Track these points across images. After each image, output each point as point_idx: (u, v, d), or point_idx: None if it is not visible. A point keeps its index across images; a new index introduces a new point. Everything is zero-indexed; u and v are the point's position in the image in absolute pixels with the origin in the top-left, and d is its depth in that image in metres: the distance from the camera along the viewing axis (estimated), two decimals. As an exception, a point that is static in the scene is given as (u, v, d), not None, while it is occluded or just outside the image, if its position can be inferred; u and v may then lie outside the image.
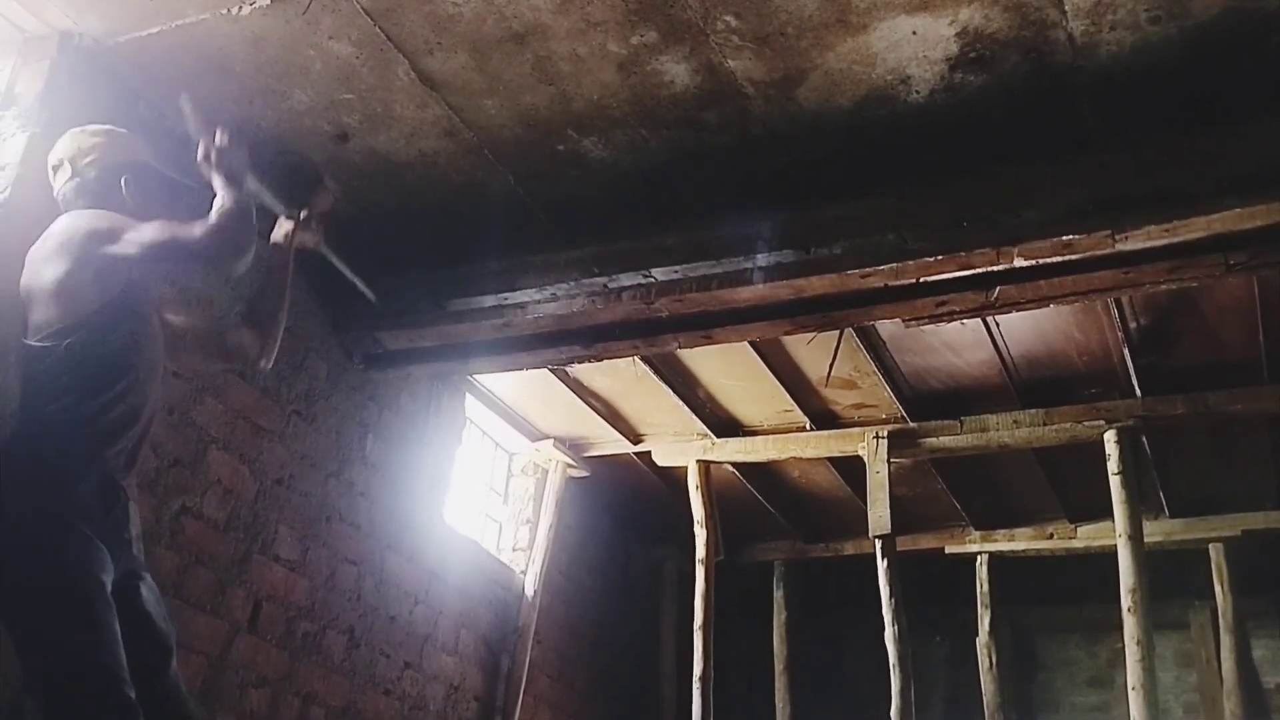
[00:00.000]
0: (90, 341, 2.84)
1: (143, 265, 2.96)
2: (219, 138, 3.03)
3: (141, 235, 2.89)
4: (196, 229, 2.88)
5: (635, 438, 6.72)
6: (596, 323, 4.69)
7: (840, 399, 6.16)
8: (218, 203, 2.93)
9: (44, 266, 2.88)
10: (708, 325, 4.60)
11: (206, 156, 3.01)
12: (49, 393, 2.81)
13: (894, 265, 4.05)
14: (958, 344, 5.46)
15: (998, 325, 5.21)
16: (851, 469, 6.73)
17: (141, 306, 3.01)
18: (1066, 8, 3.27)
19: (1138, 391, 5.66)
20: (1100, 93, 3.61)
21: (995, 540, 7.60)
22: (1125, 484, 5.71)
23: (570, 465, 6.80)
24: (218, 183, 2.99)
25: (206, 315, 4.02)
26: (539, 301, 4.59)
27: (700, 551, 6.71)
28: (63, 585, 2.64)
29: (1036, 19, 3.32)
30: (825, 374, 5.77)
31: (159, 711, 2.72)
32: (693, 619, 6.65)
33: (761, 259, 4.20)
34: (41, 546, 2.66)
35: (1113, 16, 3.29)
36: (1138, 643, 5.40)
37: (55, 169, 3.10)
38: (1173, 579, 7.15)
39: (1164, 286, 4.14)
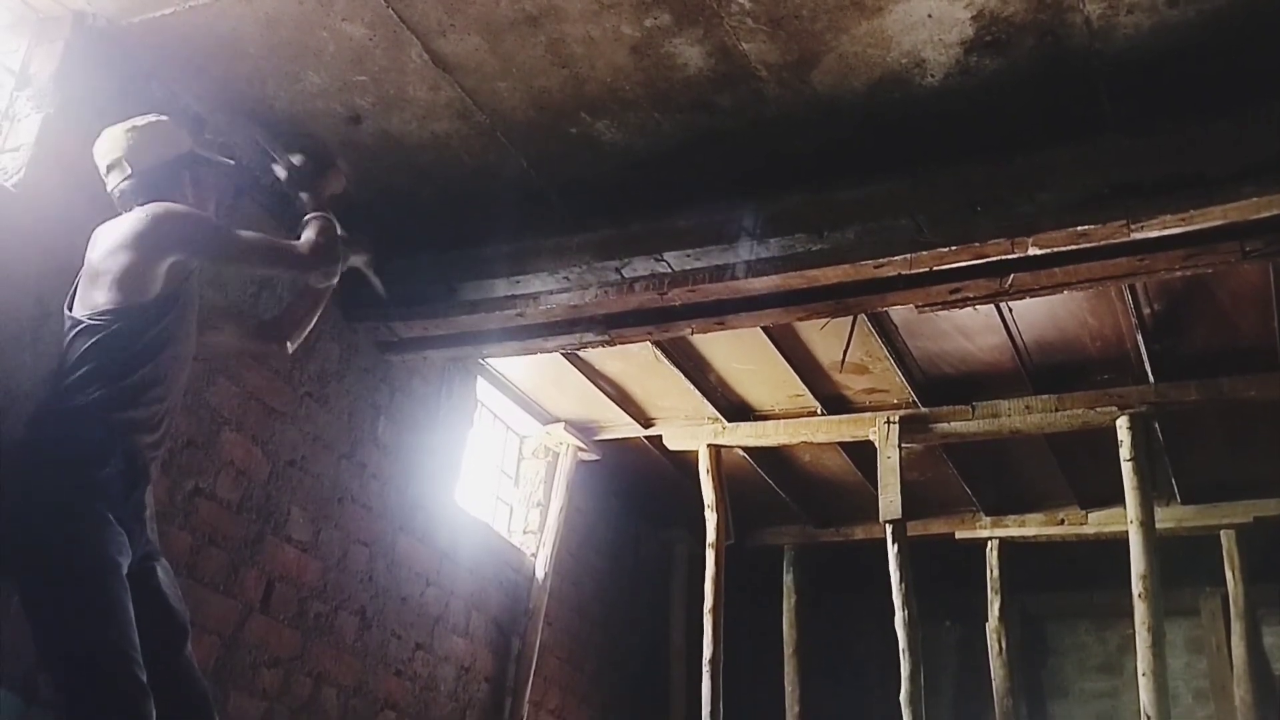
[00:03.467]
0: (136, 329, 2.89)
1: (239, 264, 3.37)
2: (298, 161, 3.46)
3: (248, 240, 3.20)
4: (303, 245, 3.23)
5: (646, 421, 6.73)
6: (610, 312, 4.69)
7: (851, 383, 6.15)
8: (318, 223, 3.28)
9: (121, 252, 2.92)
10: (721, 312, 4.60)
11: (290, 179, 3.47)
12: (79, 375, 2.84)
13: (908, 256, 4.04)
14: (970, 329, 5.44)
15: (1010, 310, 5.19)
16: (862, 454, 6.73)
17: (190, 299, 3.07)
18: (1084, -10, 3.25)
19: (1151, 377, 5.63)
20: (1117, 77, 3.58)
21: (1006, 526, 7.59)
22: (1137, 470, 5.69)
23: (581, 448, 6.81)
24: (308, 201, 3.40)
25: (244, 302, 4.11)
26: (552, 291, 4.58)
27: (710, 535, 6.72)
28: (79, 567, 2.67)
29: (1053, 2, 3.30)
30: (839, 359, 5.77)
31: (173, 692, 2.74)
32: (702, 602, 6.66)
33: (774, 243, 4.19)
34: (60, 528, 2.68)
35: (1130, -1, 3.27)
36: (1148, 629, 5.40)
37: (110, 168, 3.12)
38: (1184, 565, 7.13)
39: (1179, 273, 4.13)
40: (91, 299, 2.92)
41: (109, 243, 2.95)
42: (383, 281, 4.58)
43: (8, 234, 3.34)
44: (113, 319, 2.88)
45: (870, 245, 4.07)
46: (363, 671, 4.92)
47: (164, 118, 3.27)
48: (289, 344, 3.54)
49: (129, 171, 3.09)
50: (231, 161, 3.45)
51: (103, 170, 3.15)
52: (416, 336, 4.99)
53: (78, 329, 2.90)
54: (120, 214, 3.10)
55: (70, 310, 2.97)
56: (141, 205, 3.05)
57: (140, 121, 3.19)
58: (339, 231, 3.33)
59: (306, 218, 3.32)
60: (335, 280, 3.40)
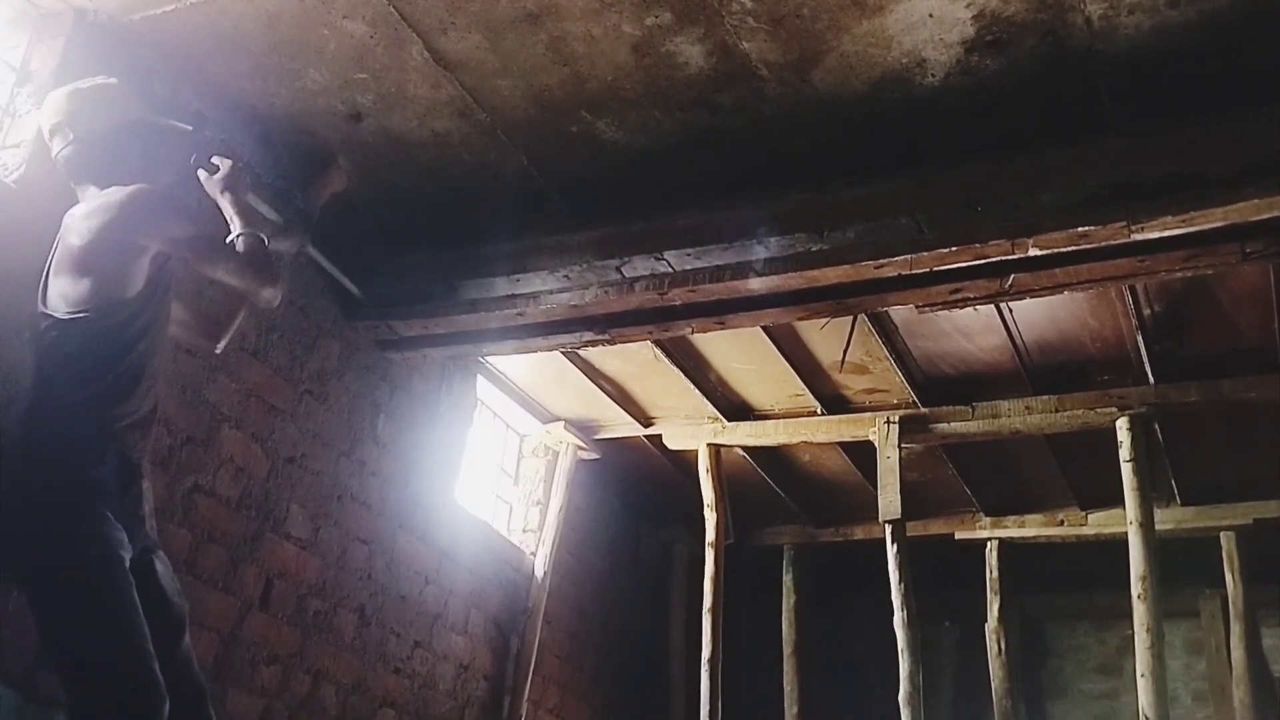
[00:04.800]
0: (120, 323, 2.84)
1: (207, 270, 3.03)
2: (221, 167, 3.15)
3: (223, 249, 2.99)
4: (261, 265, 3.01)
5: (646, 420, 6.72)
6: (610, 311, 4.69)
7: (851, 383, 6.15)
8: (250, 241, 3.04)
9: (97, 245, 2.82)
10: (721, 311, 4.60)
11: (214, 185, 3.15)
12: (67, 373, 2.80)
13: (908, 256, 4.04)
14: (970, 329, 5.44)
15: (1010, 311, 5.19)
16: (862, 454, 6.73)
17: (167, 285, 3.03)
18: (1085, -9, 3.25)
19: (1151, 378, 5.63)
20: (1118, 77, 3.58)
21: (1005, 526, 7.58)
22: (1137, 471, 5.69)
23: (581, 447, 6.80)
24: (229, 210, 3.12)
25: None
26: (552, 291, 4.58)
27: (710, 534, 6.72)
28: (88, 565, 2.66)
29: (1054, 2, 3.30)
30: (839, 359, 5.76)
31: (170, 685, 2.74)
32: (702, 601, 6.66)
33: (775, 242, 4.19)
34: (62, 527, 2.68)
35: (1130, 0, 3.27)
36: (1147, 630, 5.39)
37: (52, 133, 2.99)
38: (1183, 567, 7.12)
39: (1179, 274, 4.12)
40: (69, 292, 2.82)
41: (85, 232, 2.84)
42: (366, 278, 4.59)
43: (7, 230, 3.34)
44: (95, 315, 2.80)
45: (871, 245, 4.07)
46: (361, 669, 4.92)
47: (111, 80, 3.11)
48: (218, 345, 3.43)
49: (70, 137, 2.95)
50: (189, 128, 3.22)
51: (46, 135, 3.01)
52: (416, 335, 4.99)
53: (59, 325, 2.82)
54: (69, 182, 3.00)
55: (45, 304, 2.86)
56: (89, 175, 2.96)
57: (84, 84, 3.04)
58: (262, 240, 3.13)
59: (232, 236, 3.05)
60: (279, 300, 3.19)
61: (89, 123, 2.97)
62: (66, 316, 2.82)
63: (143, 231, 2.85)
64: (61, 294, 2.84)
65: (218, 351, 3.52)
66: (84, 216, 2.88)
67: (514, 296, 4.65)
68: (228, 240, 3.04)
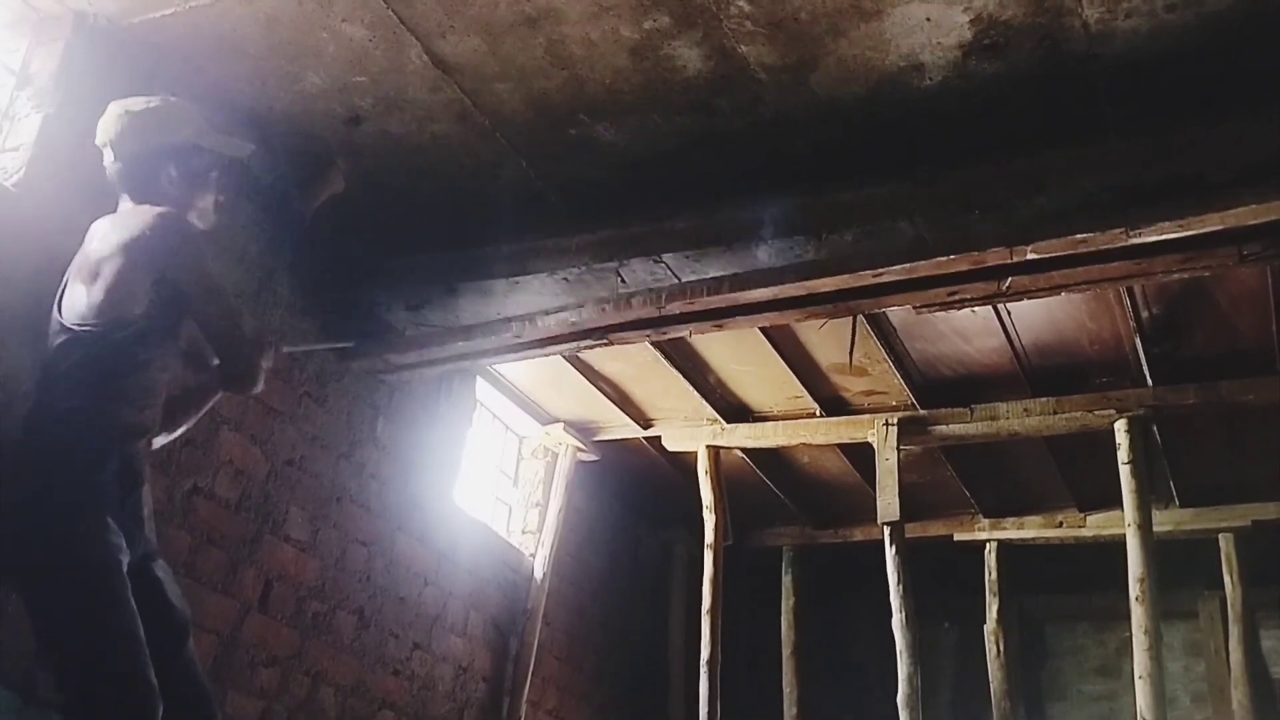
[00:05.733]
0: (130, 338, 2.85)
1: (199, 315, 3.01)
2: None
3: (225, 304, 3.05)
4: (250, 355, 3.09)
5: (645, 422, 6.73)
6: (606, 324, 4.68)
7: (850, 385, 6.16)
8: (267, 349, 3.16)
9: (112, 259, 2.84)
10: (719, 314, 4.60)
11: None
12: (73, 380, 2.81)
13: (906, 265, 4.04)
14: (969, 331, 5.45)
15: (1009, 313, 5.19)
16: (861, 455, 6.74)
17: (181, 308, 3.03)
18: (1082, -6, 3.25)
19: (1149, 380, 5.64)
20: (1116, 80, 3.59)
21: (1004, 528, 7.59)
22: (1135, 473, 5.70)
23: (580, 449, 6.81)
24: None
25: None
26: (549, 311, 4.56)
27: (709, 536, 6.73)
28: (86, 570, 2.67)
29: (1051, 6, 3.30)
30: (838, 360, 5.78)
31: (175, 690, 2.75)
32: (701, 603, 6.67)
33: (773, 244, 4.19)
34: (64, 532, 2.68)
35: (1128, 4, 3.27)
36: (1146, 632, 5.40)
37: (102, 147, 3.06)
38: (1182, 568, 7.13)
39: (1177, 275, 4.13)
40: (81, 305, 2.85)
41: (103, 245, 2.88)
42: (364, 279, 4.60)
43: (7, 234, 3.34)
44: (103, 330, 2.82)
45: (869, 248, 4.07)
46: (360, 671, 4.93)
47: (170, 100, 3.14)
48: (161, 437, 3.16)
49: (113, 157, 3.02)
50: (250, 147, 3.29)
51: (99, 144, 3.07)
52: (412, 362, 4.96)
53: (68, 336, 2.85)
54: (117, 194, 3.04)
55: (60, 312, 2.90)
56: (127, 190, 3.00)
57: (136, 106, 3.07)
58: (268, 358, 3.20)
59: (261, 339, 3.18)
60: (254, 389, 3.20)
61: (131, 145, 3.02)
62: (75, 327, 2.85)
63: (159, 260, 2.86)
64: (73, 304, 2.87)
65: (153, 447, 3.15)
66: (102, 236, 2.91)
67: (509, 320, 4.62)
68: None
